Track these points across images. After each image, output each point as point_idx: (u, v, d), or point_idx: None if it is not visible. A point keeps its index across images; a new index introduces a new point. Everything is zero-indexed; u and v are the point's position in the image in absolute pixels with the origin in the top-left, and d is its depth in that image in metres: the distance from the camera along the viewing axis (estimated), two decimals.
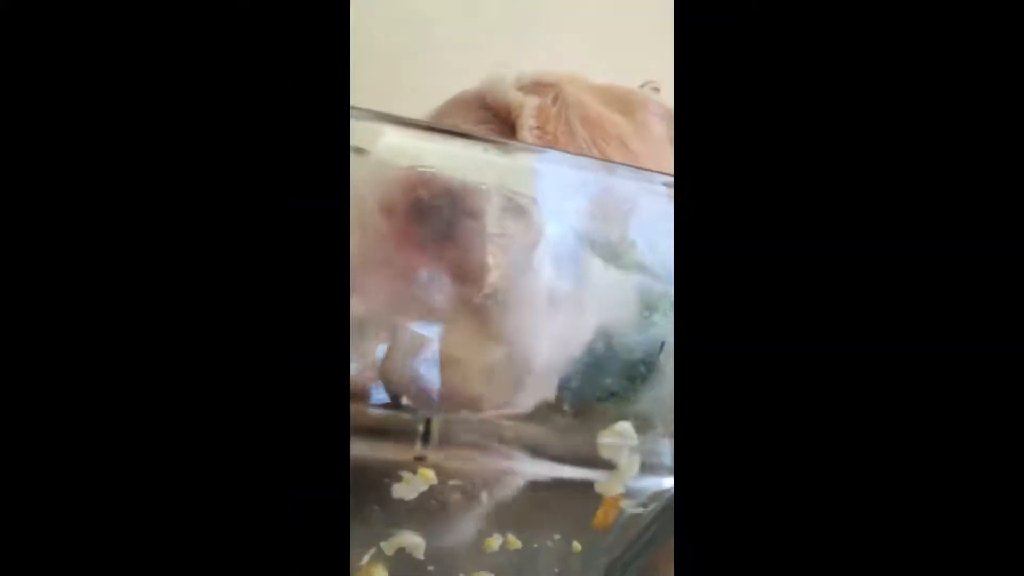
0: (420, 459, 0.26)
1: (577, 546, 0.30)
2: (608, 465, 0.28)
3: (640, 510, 0.29)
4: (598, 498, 0.29)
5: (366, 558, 0.29)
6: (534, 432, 0.28)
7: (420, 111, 0.41)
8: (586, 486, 0.29)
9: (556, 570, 0.31)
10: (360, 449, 0.25)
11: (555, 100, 0.36)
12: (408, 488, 0.27)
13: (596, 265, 0.30)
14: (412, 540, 0.28)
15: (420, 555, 0.29)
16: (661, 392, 0.29)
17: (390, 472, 0.27)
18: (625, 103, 0.37)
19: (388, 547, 0.28)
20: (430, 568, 0.29)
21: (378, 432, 0.26)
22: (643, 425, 0.29)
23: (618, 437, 0.28)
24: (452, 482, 0.27)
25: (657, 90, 0.40)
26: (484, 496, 0.28)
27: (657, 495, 0.29)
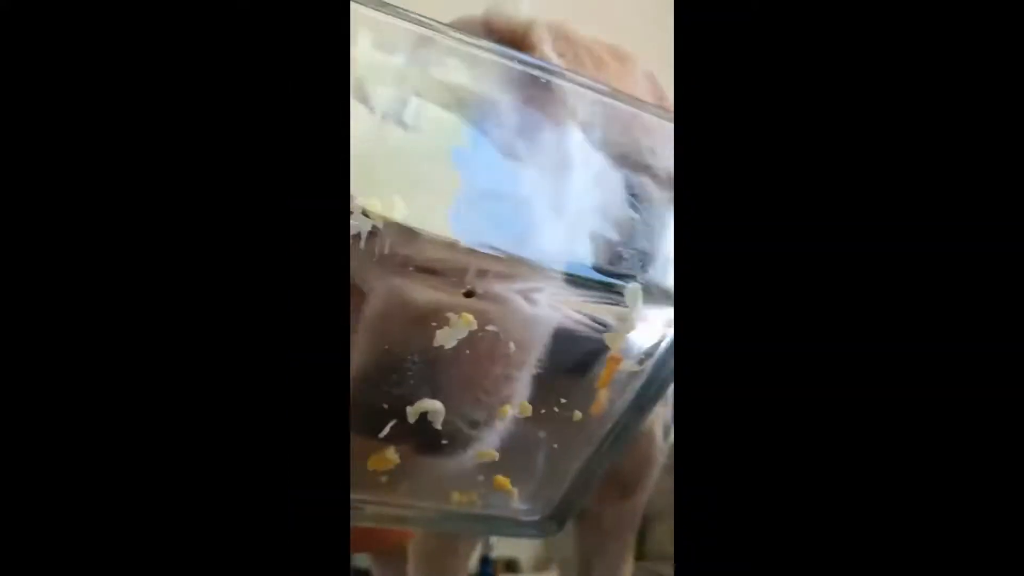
0: (470, 295, 0.27)
1: (578, 414, 0.32)
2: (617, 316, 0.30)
3: (637, 367, 0.32)
4: (605, 352, 0.31)
5: (386, 430, 0.29)
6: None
7: None
8: (598, 342, 0.30)
9: (555, 445, 0.32)
10: (413, 290, 0.26)
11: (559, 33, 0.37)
12: (450, 334, 0.27)
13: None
14: (433, 406, 0.29)
15: (438, 424, 0.29)
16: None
17: (437, 316, 0.27)
18: (616, 53, 0.39)
19: (412, 413, 0.29)
20: (444, 442, 0.30)
21: (429, 272, 0.26)
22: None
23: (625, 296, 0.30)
24: (489, 328, 0.28)
25: None
26: (512, 347, 0.29)
27: (651, 351, 0.32)
